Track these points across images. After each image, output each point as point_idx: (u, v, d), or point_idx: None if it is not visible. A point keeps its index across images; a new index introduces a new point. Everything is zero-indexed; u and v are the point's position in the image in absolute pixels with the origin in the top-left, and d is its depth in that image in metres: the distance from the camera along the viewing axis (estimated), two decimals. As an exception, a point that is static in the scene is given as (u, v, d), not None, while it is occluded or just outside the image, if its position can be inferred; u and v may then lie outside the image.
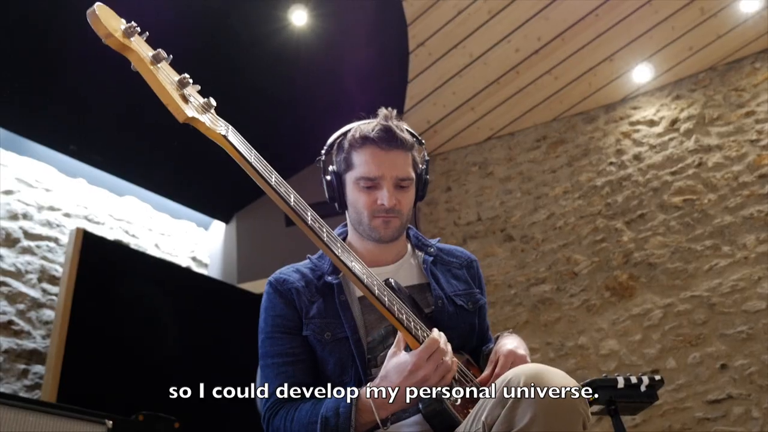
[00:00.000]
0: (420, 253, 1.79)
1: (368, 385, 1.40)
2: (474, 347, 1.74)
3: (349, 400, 1.39)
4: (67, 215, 4.27)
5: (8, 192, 3.98)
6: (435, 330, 1.39)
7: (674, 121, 5.01)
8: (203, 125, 1.21)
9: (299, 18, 4.20)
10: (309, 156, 5.11)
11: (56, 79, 3.89)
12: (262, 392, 1.57)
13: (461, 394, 1.45)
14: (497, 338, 1.70)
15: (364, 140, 1.62)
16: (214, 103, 1.25)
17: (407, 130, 1.69)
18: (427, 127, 5.44)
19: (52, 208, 4.20)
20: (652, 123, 5.10)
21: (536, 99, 5.29)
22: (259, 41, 4.26)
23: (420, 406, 1.35)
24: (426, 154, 1.78)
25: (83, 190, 4.47)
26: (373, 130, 1.61)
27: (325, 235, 1.36)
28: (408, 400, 1.35)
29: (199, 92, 1.26)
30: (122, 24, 1.17)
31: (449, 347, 1.38)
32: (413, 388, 1.33)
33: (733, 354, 4.23)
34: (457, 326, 1.65)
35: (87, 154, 4.39)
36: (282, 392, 1.53)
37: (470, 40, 4.85)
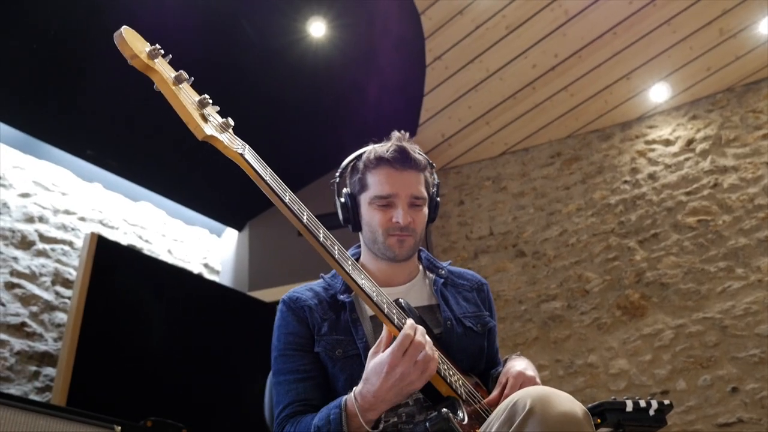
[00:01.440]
0: (431, 275, 1.81)
1: (354, 389, 1.41)
2: (483, 370, 1.74)
3: (337, 407, 1.40)
4: (82, 219, 4.31)
5: (25, 195, 4.02)
6: (409, 321, 1.38)
7: (690, 141, 5.00)
8: (221, 143, 1.25)
9: (317, 30, 4.22)
10: (324, 167, 5.16)
11: (75, 85, 3.93)
12: (275, 408, 1.59)
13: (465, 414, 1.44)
14: (506, 360, 1.70)
15: (379, 161, 1.66)
16: (232, 122, 1.30)
17: (420, 151, 1.72)
18: (441, 141, 5.45)
19: (67, 212, 4.23)
20: (667, 142, 5.08)
21: (552, 115, 5.29)
22: (277, 52, 4.29)
23: (427, 424, 1.35)
24: (436, 176, 1.80)
25: (99, 194, 4.51)
26: (387, 151, 1.65)
27: (336, 253, 1.38)
28: (392, 400, 1.35)
29: (219, 112, 1.31)
30: (147, 46, 1.22)
31: (427, 339, 1.37)
32: (394, 387, 1.33)
33: (745, 377, 4.19)
34: (466, 348, 1.66)
35: (103, 159, 4.43)
36: (291, 408, 1.55)
37: (487, 54, 4.86)
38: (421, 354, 1.33)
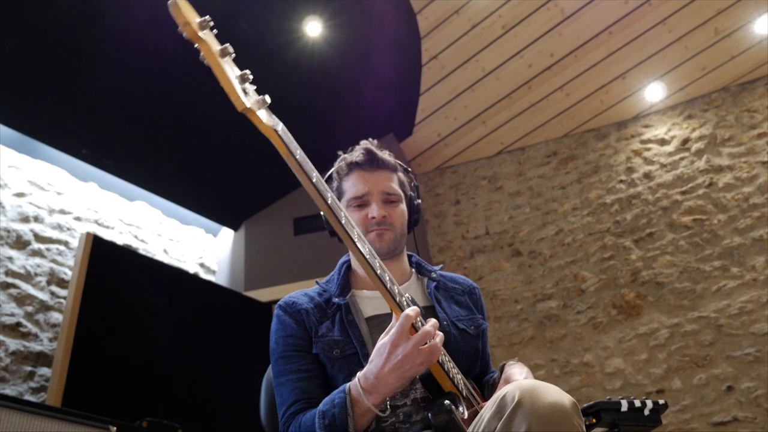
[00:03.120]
0: (423, 278, 1.83)
1: (358, 373, 1.42)
2: (478, 374, 1.75)
3: (342, 392, 1.42)
4: (77, 219, 4.30)
5: (20, 194, 4.01)
6: (412, 308, 1.39)
7: (685, 141, 5.01)
8: (258, 118, 1.28)
9: (313, 29, 4.22)
10: (320, 166, 5.15)
11: (70, 84, 3.92)
12: (279, 408, 1.60)
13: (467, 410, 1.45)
14: (503, 367, 1.71)
15: (350, 166, 1.77)
16: (269, 100, 1.33)
17: (390, 155, 1.82)
18: (437, 140, 5.45)
19: (63, 212, 4.22)
20: (663, 142, 5.09)
21: (548, 115, 5.29)
22: (273, 52, 4.28)
23: (429, 414, 1.37)
24: (415, 179, 1.88)
25: (94, 194, 4.50)
26: (356, 156, 1.77)
27: (355, 236, 1.40)
28: (394, 384, 1.36)
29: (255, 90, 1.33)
30: (197, 17, 1.27)
31: (434, 321, 1.38)
32: (396, 369, 1.34)
33: (740, 376, 4.20)
34: (462, 349, 1.67)
35: (99, 158, 4.42)
36: (297, 406, 1.55)
37: (483, 54, 4.87)
38: (425, 339, 1.34)
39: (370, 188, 1.72)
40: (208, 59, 1.25)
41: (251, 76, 1.29)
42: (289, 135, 1.37)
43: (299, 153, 1.37)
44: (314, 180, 1.37)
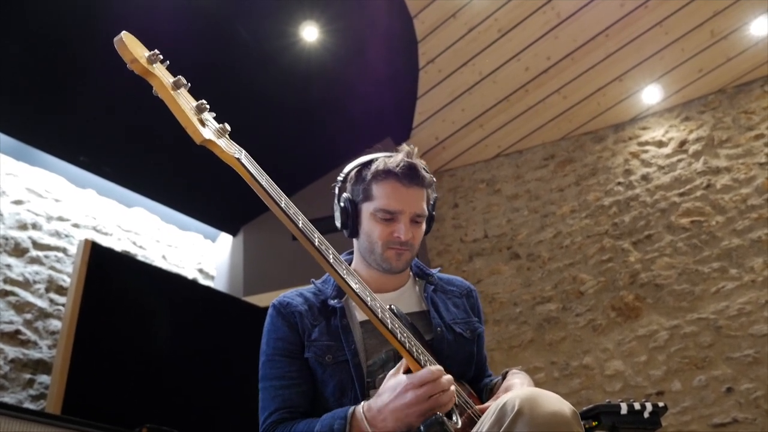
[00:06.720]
0: (421, 282, 1.82)
1: (363, 402, 1.42)
2: (472, 377, 1.75)
3: (344, 417, 1.41)
4: (75, 226, 4.30)
5: (18, 202, 4.00)
6: (438, 367, 1.39)
7: (683, 143, 5.02)
8: (218, 148, 1.26)
9: (310, 34, 4.23)
10: (318, 171, 5.16)
11: (68, 91, 3.92)
12: (261, 413, 1.60)
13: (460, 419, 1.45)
14: (505, 373, 1.71)
15: (387, 174, 1.66)
16: (228, 128, 1.31)
17: (426, 167, 1.72)
18: (435, 144, 5.46)
19: (61, 219, 4.22)
20: (660, 144, 5.10)
21: (545, 117, 5.30)
22: (270, 57, 4.29)
23: (421, 427, 1.36)
24: (435, 191, 1.80)
25: (92, 200, 4.50)
26: (397, 166, 1.65)
27: (331, 257, 1.38)
28: (390, 424, 1.35)
29: (215, 117, 1.32)
30: (146, 52, 1.23)
31: (453, 387, 1.38)
32: (397, 410, 1.33)
33: (739, 378, 4.20)
34: (456, 354, 1.67)
35: (97, 165, 4.42)
36: (278, 415, 1.55)
37: (480, 57, 4.87)
38: (439, 392, 1.34)
39: (403, 207, 1.64)
40: (160, 94, 1.22)
41: (208, 106, 1.27)
42: (253, 162, 1.33)
43: (264, 179, 1.33)
44: (283, 205, 1.33)
